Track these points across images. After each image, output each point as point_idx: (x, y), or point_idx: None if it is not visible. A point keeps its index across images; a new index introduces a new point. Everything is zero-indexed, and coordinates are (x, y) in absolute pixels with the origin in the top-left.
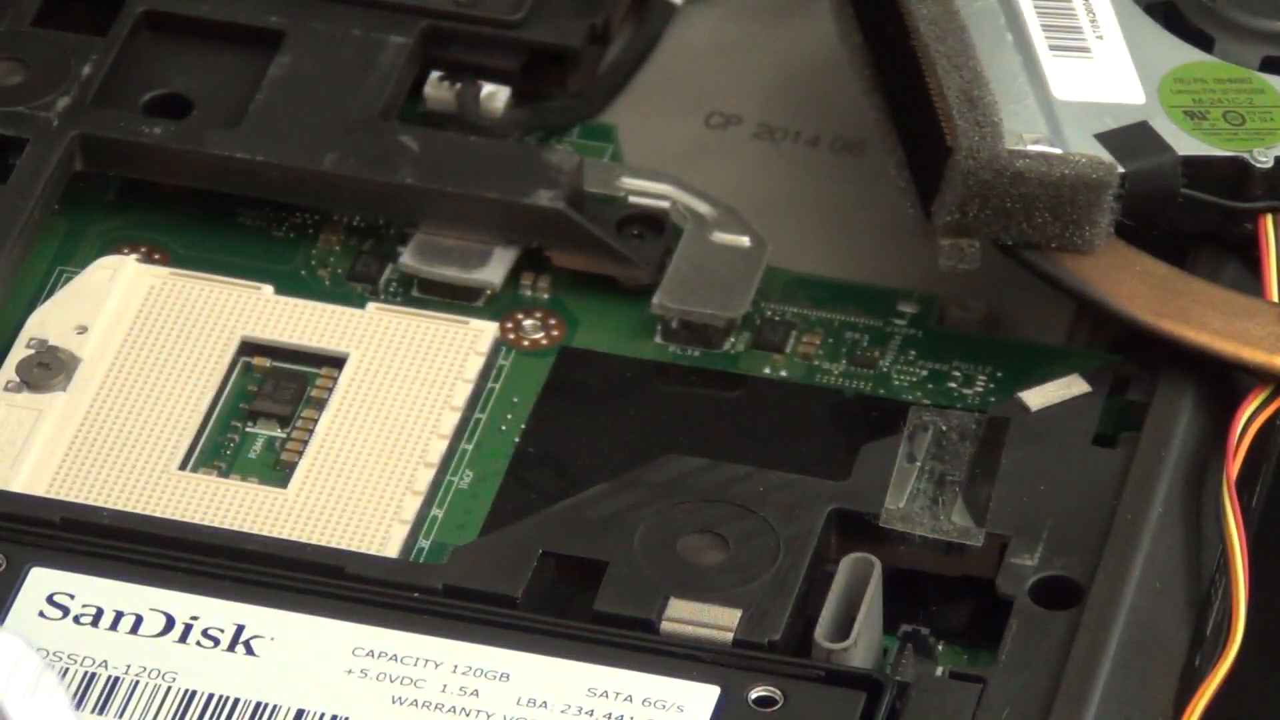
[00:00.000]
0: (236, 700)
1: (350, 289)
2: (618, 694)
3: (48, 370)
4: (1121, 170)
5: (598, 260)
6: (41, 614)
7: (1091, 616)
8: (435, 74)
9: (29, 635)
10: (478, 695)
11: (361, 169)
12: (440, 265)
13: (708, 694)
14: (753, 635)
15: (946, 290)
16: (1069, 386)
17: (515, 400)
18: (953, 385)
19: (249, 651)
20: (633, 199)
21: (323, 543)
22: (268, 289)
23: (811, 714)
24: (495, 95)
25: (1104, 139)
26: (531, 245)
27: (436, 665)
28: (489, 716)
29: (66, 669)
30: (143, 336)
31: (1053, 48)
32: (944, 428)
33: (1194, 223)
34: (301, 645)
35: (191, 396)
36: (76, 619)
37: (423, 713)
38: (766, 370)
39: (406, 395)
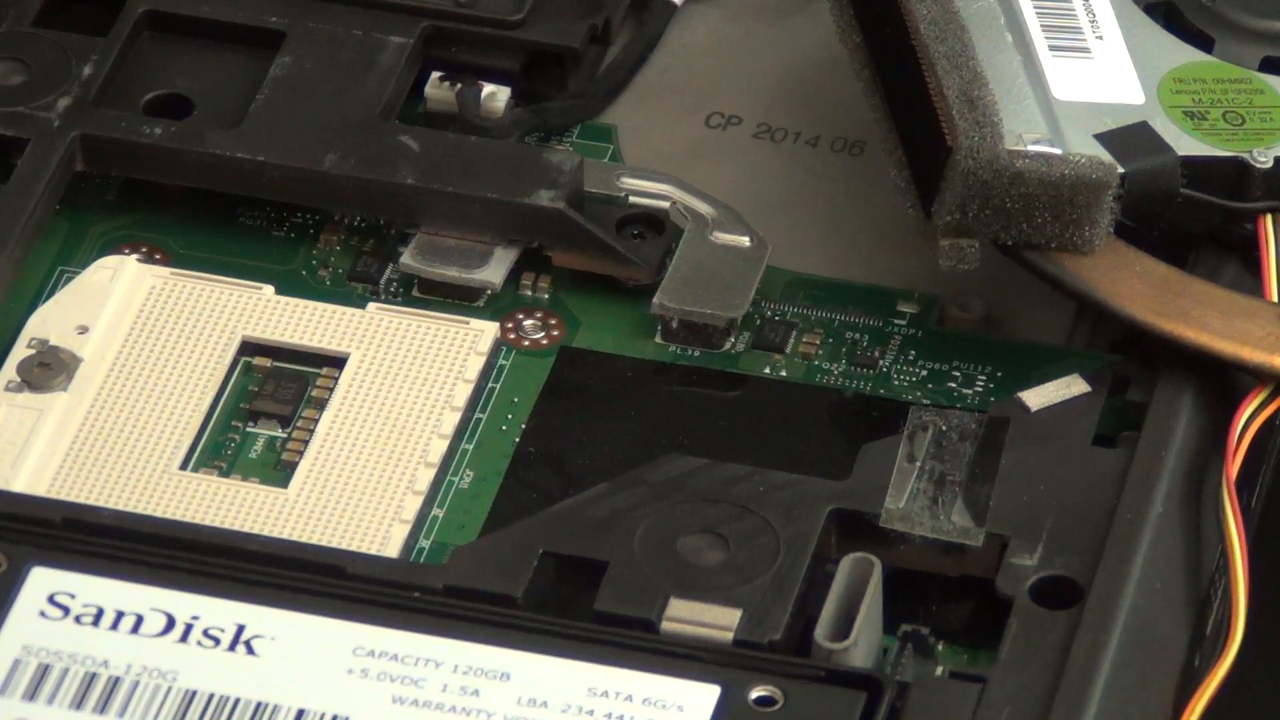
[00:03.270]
0: (237, 700)
1: (351, 289)
2: (618, 694)
3: (49, 370)
4: (1121, 170)
5: (598, 260)
6: (42, 614)
7: (1091, 616)
8: (435, 74)
9: (30, 635)
10: (478, 695)
11: (362, 169)
12: (440, 265)
13: (708, 694)
14: (753, 635)
15: (946, 290)
16: (1069, 386)
17: (515, 400)
18: (953, 385)
19: (249, 651)
20: (633, 199)
21: (323, 543)
22: (268, 289)
23: (811, 714)
24: (495, 95)
25: (1104, 139)
26: (531, 245)
27: (437, 665)
28: (489, 716)
29: (67, 669)
30: (143, 336)
31: (1052, 48)
32: (944, 428)
33: (1194, 223)
34: (302, 645)
35: (192, 396)
36: (77, 619)
37: (423, 712)
38: (766, 370)
39: (407, 395)
